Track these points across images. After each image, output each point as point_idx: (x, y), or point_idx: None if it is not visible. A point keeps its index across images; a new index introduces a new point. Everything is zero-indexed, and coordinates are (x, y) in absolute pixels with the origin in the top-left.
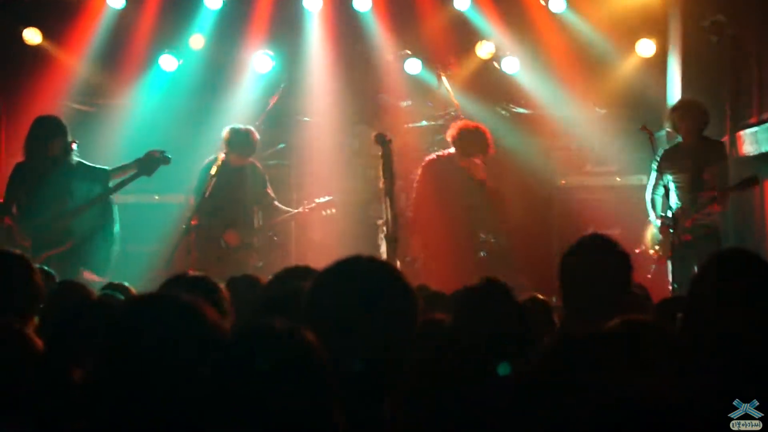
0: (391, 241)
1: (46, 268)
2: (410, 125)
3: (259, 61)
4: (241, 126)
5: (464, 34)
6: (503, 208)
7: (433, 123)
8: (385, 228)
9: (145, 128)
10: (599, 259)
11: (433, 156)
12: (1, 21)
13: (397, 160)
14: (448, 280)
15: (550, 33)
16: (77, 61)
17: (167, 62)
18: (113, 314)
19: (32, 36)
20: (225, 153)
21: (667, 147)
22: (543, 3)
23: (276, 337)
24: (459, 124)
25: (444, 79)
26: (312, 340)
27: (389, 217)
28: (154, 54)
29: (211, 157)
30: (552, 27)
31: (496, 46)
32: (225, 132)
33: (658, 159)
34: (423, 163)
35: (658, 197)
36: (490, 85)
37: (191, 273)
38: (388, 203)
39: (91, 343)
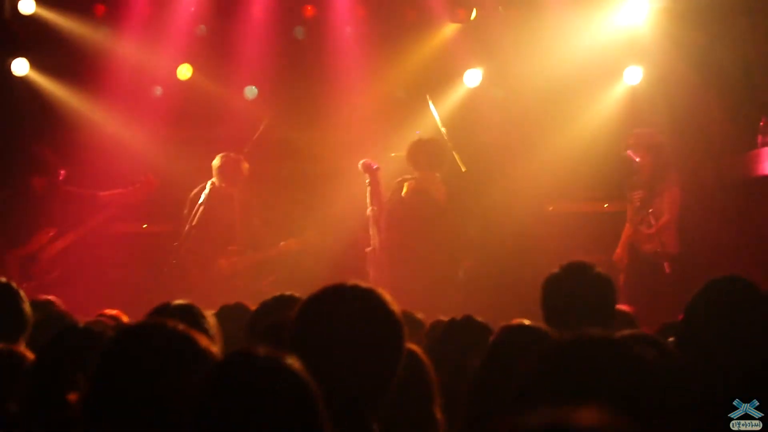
0: (380, 268)
1: (51, 298)
2: (396, 154)
3: (246, 91)
4: (232, 154)
5: (452, 61)
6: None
7: None
8: (373, 255)
9: (134, 157)
10: (581, 285)
11: (399, 180)
12: None
13: (384, 188)
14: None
15: (538, 60)
16: (66, 91)
17: (155, 91)
18: (105, 341)
19: (20, 67)
20: (214, 181)
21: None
22: (530, 30)
23: (260, 364)
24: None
25: (432, 106)
26: (298, 367)
27: (377, 244)
28: (142, 83)
29: (201, 185)
30: (540, 54)
31: (483, 73)
32: (216, 160)
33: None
34: (392, 188)
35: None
36: (477, 112)
37: (177, 302)
38: (376, 231)
39: (81, 368)
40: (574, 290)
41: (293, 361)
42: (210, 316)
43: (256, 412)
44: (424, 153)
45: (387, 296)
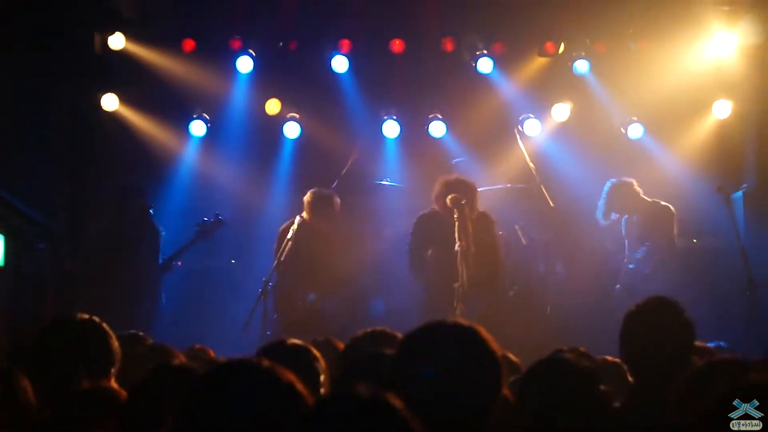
0: (467, 302)
1: (141, 333)
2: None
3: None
4: (324, 189)
5: (540, 95)
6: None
7: (509, 186)
8: (460, 290)
9: (222, 192)
10: (663, 323)
11: (425, 212)
12: (78, 87)
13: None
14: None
15: (626, 93)
16: (154, 126)
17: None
18: (195, 379)
19: (109, 102)
20: (304, 216)
21: None
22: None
23: (363, 403)
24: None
25: (520, 140)
26: (400, 405)
27: (465, 279)
28: (231, 118)
29: (290, 220)
30: (628, 87)
31: (571, 108)
32: (308, 195)
33: None
34: (415, 219)
35: None
36: (565, 146)
37: (290, 341)
38: (464, 265)
39: (172, 405)
40: (653, 328)
41: (395, 399)
42: (321, 358)
43: None
44: (448, 191)
45: (487, 335)
